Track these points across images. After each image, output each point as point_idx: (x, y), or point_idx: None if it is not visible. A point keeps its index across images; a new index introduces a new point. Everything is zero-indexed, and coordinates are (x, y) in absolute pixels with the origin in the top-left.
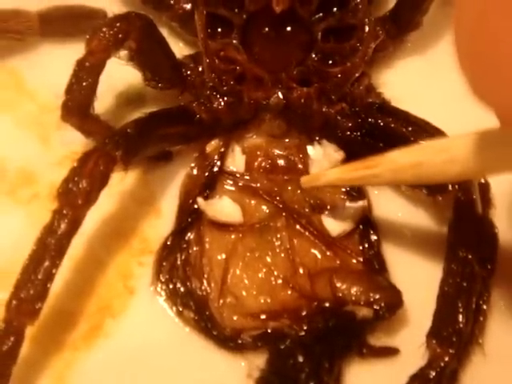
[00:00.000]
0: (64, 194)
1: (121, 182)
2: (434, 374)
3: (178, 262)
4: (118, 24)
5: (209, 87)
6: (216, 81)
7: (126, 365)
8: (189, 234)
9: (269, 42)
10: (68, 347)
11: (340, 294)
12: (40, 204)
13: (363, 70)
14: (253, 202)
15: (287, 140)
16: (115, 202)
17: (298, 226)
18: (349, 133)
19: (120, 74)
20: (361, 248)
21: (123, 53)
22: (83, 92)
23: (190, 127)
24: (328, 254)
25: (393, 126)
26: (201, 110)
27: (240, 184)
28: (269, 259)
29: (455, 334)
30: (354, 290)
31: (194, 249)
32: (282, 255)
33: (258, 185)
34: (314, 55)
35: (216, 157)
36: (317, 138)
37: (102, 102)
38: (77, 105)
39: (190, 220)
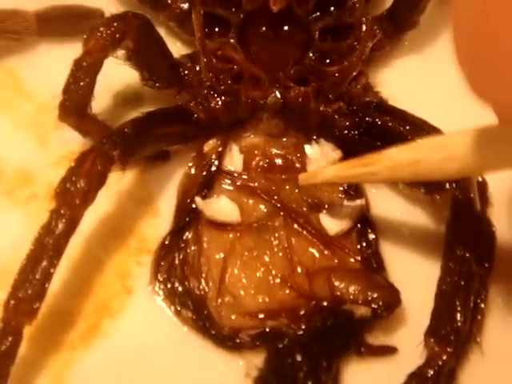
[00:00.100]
0: (62, 193)
1: (118, 182)
2: (432, 372)
3: (176, 262)
4: (115, 24)
5: (206, 86)
6: (213, 80)
7: (124, 364)
8: (187, 234)
9: (266, 41)
10: (66, 347)
11: (338, 293)
12: (38, 204)
13: (360, 69)
14: (251, 201)
15: (285, 139)
16: (113, 202)
17: (295, 225)
18: (346, 132)
19: (117, 74)
20: (359, 247)
21: (120, 52)
22: (81, 92)
23: (188, 127)
24: (326, 252)
25: (390, 124)
26: (198, 110)
27: (238, 183)
28: (267, 258)
29: (453, 332)
30: (352, 288)
31: (192, 248)
32: (280, 254)
33: (256, 184)
34: (311, 54)
35: (214, 156)
36: (314, 137)
37: (100, 102)
38: (74, 105)
39: (187, 219)
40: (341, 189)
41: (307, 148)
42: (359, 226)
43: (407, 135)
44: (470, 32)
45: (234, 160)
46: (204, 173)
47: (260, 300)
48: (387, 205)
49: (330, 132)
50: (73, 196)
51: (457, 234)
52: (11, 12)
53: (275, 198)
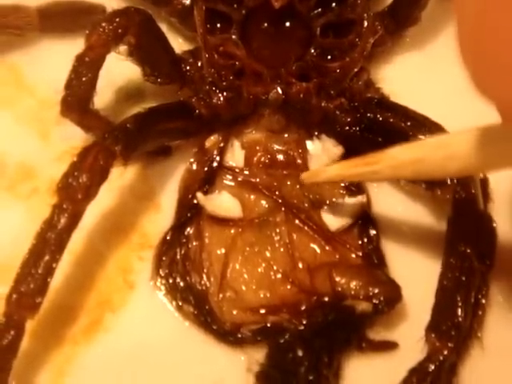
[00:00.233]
0: (64, 188)
1: (120, 177)
2: (432, 367)
3: (178, 257)
4: (117, 19)
5: (208, 82)
6: (215, 76)
7: (125, 359)
8: (188, 229)
9: (268, 37)
10: (68, 341)
11: (339, 289)
12: (40, 199)
13: (362, 65)
14: (252, 196)
15: (286, 135)
16: (115, 197)
17: (297, 221)
18: (348, 128)
19: (119, 69)
20: (360, 242)
21: (122, 48)
22: (83, 87)
23: (190, 122)
24: (327, 248)
25: (392, 120)
26: (200, 105)
27: (239, 179)
28: (268, 254)
29: (454, 327)
30: (353, 284)
31: (194, 243)
32: (282, 250)
33: (258, 180)
34: (312, 50)
35: (215, 152)
36: (316, 133)
37: (102, 97)
38: (76, 100)
39: (189, 215)
40: (342, 185)
41: (309, 144)
42: (360, 221)
43: (409, 131)
44: (474, 30)
45: (235, 156)
46: (206, 168)
47: (261, 295)
48: (388, 201)
49: (331, 128)
50: (75, 191)
51: (458, 230)
52: (13, 7)
53: (277, 193)
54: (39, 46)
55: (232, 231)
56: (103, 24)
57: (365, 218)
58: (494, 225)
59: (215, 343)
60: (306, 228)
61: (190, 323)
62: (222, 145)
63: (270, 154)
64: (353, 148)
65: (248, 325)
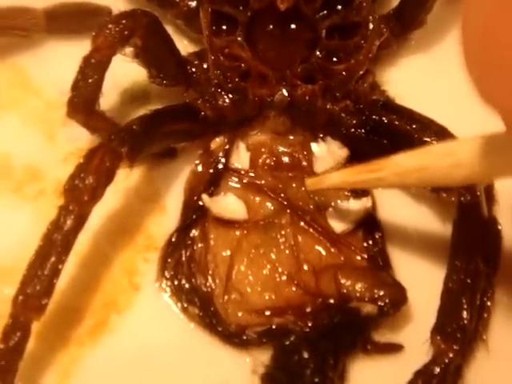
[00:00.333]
0: (70, 190)
1: (126, 179)
2: (438, 370)
3: (183, 259)
4: (123, 21)
5: (213, 84)
6: (221, 78)
7: (131, 360)
8: (193, 231)
9: (273, 39)
10: (73, 343)
11: (344, 291)
12: (46, 200)
13: (367, 67)
14: (257, 198)
15: (291, 137)
16: (120, 199)
17: (302, 223)
18: (353, 130)
19: (125, 71)
20: (365, 245)
21: (128, 50)
22: (89, 88)
23: (195, 124)
24: (332, 250)
25: (397, 123)
26: (205, 107)
27: (244, 181)
28: (273, 256)
29: (459, 330)
30: (358, 286)
31: (199, 245)
32: (287, 252)
33: (263, 182)
34: (318, 52)
35: (221, 154)
36: (321, 135)
37: (107, 99)
38: (83, 101)
39: (194, 217)
40: None
41: (314, 146)
42: (365, 224)
43: (414, 134)
44: (479, 38)
45: (240, 158)
46: (211, 170)
47: (266, 297)
48: (393, 203)
49: (336, 130)
50: (81, 192)
51: (463, 233)
52: (20, 9)
53: (282, 195)
54: (45, 48)
55: (237, 233)
56: (110, 26)
57: (370, 221)
58: (499, 227)
59: (220, 345)
60: (311, 230)
61: (195, 325)
62: (227, 147)
63: (276, 156)
64: (358, 150)
65: (253, 327)
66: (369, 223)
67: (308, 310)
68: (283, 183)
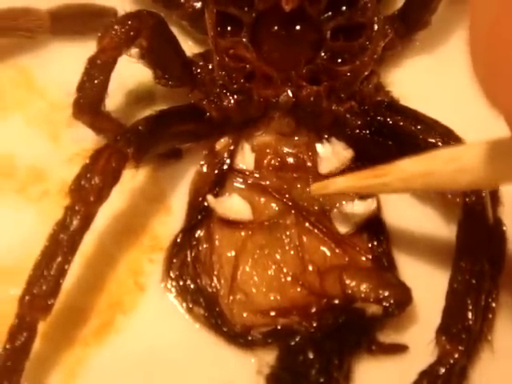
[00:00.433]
0: (76, 190)
1: (131, 180)
2: (443, 370)
3: (188, 259)
4: (129, 22)
5: (219, 85)
6: (226, 79)
7: (136, 361)
8: (199, 232)
9: (278, 40)
10: (79, 343)
11: (349, 291)
12: (50, 201)
13: (372, 68)
14: (262, 199)
15: (296, 138)
16: (126, 199)
17: (307, 224)
18: (358, 131)
19: (130, 72)
20: (370, 245)
21: (134, 51)
22: (95, 89)
23: (200, 125)
24: (337, 251)
25: (401, 124)
26: (211, 108)
27: (249, 182)
28: (278, 256)
29: (464, 330)
30: (363, 287)
31: (204, 246)
32: (292, 252)
33: (268, 182)
34: (323, 54)
35: (225, 154)
36: (326, 136)
37: (112, 100)
38: (88, 102)
39: (199, 217)
40: None
41: (319, 147)
42: (370, 224)
43: (418, 135)
44: (485, 38)
45: (245, 158)
46: (216, 171)
47: (271, 298)
48: (398, 204)
49: (341, 131)
50: (87, 193)
51: (468, 234)
52: (24, 10)
53: (287, 196)
54: (50, 49)
55: (242, 234)
56: (116, 27)
57: (374, 221)
58: (504, 228)
59: (225, 345)
60: (315, 231)
61: (200, 325)
62: (232, 147)
63: (280, 156)
64: (363, 151)
65: (258, 327)
66: (374, 224)
67: (313, 310)
68: (288, 184)
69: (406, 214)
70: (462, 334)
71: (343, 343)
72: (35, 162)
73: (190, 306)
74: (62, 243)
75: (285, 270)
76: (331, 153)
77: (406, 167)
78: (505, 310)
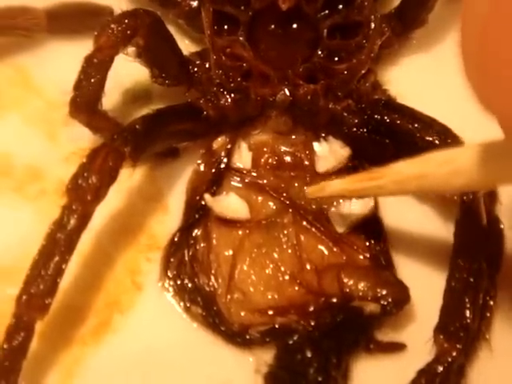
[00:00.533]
0: (73, 189)
1: (128, 179)
2: (441, 368)
3: (186, 258)
4: (126, 20)
5: (216, 84)
6: (223, 77)
7: (134, 360)
8: (196, 231)
9: (275, 39)
10: (76, 343)
11: (347, 290)
12: (47, 200)
13: (369, 66)
14: (260, 198)
15: (293, 137)
16: (123, 199)
17: (304, 223)
18: (355, 129)
19: (127, 71)
20: (367, 244)
21: (131, 49)
22: (91, 88)
23: (197, 124)
24: (335, 249)
25: (399, 122)
26: (208, 107)
27: (247, 180)
28: (276, 255)
29: (462, 329)
30: (361, 285)
31: (202, 245)
32: (289, 251)
33: (265, 181)
34: (320, 52)
35: (223, 153)
36: (323, 135)
37: (109, 99)
38: (85, 101)
39: (197, 216)
40: None
41: (316, 145)
42: (368, 223)
43: (415, 133)
44: (477, 42)
45: (242, 157)
46: (213, 170)
47: (269, 296)
48: (396, 202)
49: (338, 129)
50: (84, 192)
51: (466, 232)
52: (21, 9)
53: (284, 195)
54: (47, 48)
55: (240, 233)
56: (112, 25)
57: (372, 220)
58: (502, 226)
59: (223, 344)
60: (313, 229)
61: (198, 324)
62: (229, 146)
63: (278, 155)
64: (360, 149)
65: (256, 326)
66: (371, 223)
67: (311, 309)
68: (285, 183)
69: (404, 213)
70: (460, 332)
71: (341, 342)
72: (32, 160)
73: (188, 305)
74: (59, 242)
75: (282, 269)
76: (328, 151)
77: (401, 169)
78: (503, 309)
